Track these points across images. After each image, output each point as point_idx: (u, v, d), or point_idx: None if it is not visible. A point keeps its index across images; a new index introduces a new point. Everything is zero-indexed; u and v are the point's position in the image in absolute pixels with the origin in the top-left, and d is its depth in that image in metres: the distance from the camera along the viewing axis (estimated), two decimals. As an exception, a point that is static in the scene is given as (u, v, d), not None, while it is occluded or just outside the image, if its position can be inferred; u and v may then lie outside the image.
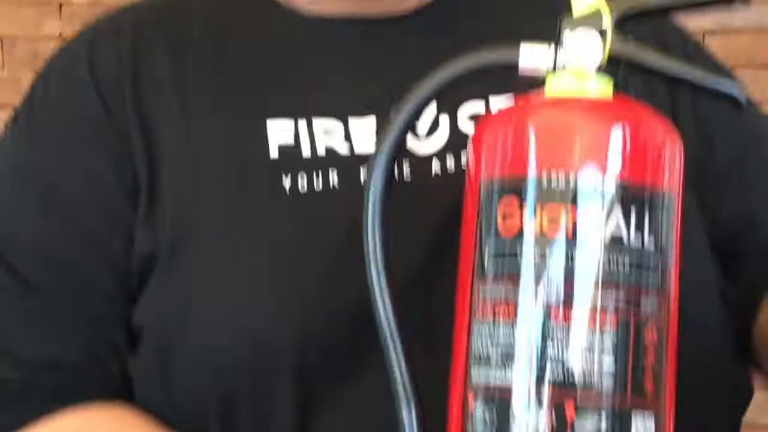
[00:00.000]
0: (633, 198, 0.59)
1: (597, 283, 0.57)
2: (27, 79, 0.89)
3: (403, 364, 0.63)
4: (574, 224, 0.57)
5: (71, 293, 0.79)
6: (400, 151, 0.64)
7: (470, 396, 0.61)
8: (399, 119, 0.63)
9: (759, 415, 1.37)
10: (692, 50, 0.89)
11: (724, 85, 0.65)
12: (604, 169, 0.58)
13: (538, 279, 0.58)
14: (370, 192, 0.63)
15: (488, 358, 0.59)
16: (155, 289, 0.78)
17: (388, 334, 0.63)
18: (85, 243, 0.79)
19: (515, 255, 0.59)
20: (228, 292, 0.75)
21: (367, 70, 0.84)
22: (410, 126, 0.64)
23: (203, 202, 0.79)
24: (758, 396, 0.83)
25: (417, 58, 0.77)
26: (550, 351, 0.58)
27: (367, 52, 0.85)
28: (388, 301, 0.62)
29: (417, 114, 0.64)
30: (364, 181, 0.65)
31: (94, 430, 0.78)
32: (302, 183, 0.79)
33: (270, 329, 0.72)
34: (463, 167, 0.76)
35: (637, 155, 0.59)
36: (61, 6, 1.89)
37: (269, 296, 0.74)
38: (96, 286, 0.79)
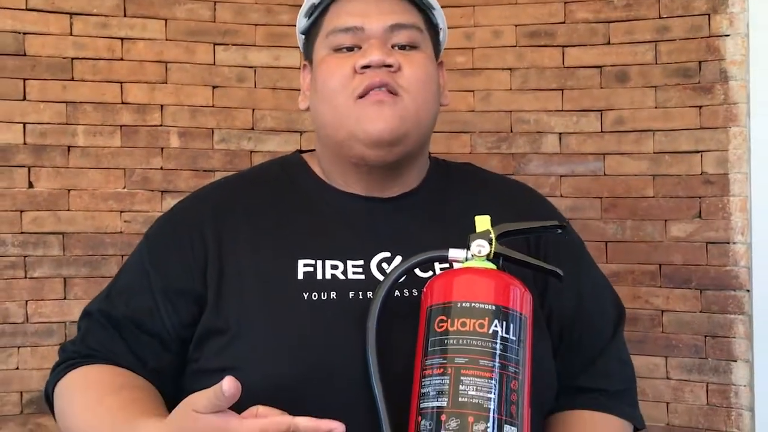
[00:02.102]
0: (505, 314, 0.95)
1: (486, 354, 0.92)
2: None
3: (381, 394, 0.97)
4: (475, 325, 0.93)
5: (137, 330, 1.13)
6: (388, 295, 1.02)
7: (419, 417, 0.93)
8: (386, 282, 1.03)
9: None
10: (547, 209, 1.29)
11: (548, 267, 1.04)
12: (492, 299, 0.95)
13: (456, 353, 0.92)
14: (371, 310, 1.02)
15: (430, 394, 0.93)
16: (221, 348, 1.08)
17: (374, 375, 0.98)
18: (163, 308, 1.13)
19: (444, 341, 0.94)
20: (269, 352, 1.06)
21: (364, 231, 1.16)
22: (392, 287, 1.03)
23: (255, 304, 1.10)
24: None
25: (397, 226, 1.15)
26: (462, 387, 0.90)
27: (367, 219, 1.18)
28: (375, 359, 0.99)
29: (397, 280, 1.03)
30: (371, 307, 1.01)
31: (100, 372, 1.11)
32: (316, 295, 1.09)
33: (286, 373, 1.04)
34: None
35: (508, 294, 0.97)
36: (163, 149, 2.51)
37: (289, 358, 1.06)
38: (156, 332, 1.13)
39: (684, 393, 2.44)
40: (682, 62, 2.44)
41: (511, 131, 2.60)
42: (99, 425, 1.04)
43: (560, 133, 2.57)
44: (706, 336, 2.43)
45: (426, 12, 1.20)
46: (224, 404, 0.88)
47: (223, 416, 0.89)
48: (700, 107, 2.42)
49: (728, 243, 2.40)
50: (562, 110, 2.56)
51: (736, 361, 2.39)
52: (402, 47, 1.15)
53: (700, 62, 2.42)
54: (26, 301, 2.42)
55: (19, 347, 2.40)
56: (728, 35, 2.38)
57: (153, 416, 0.99)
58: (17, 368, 2.40)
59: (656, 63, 2.47)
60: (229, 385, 0.86)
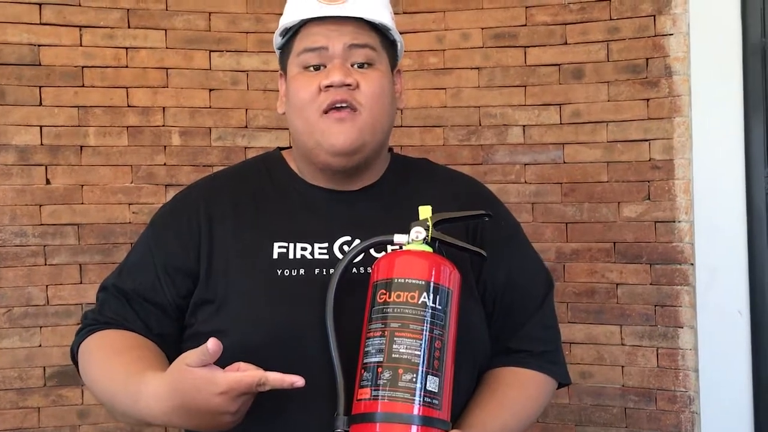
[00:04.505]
0: (433, 288, 1.08)
1: (416, 320, 1.06)
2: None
3: (336, 352, 1.11)
4: (408, 297, 1.07)
5: (143, 301, 1.26)
6: (344, 273, 1.14)
7: (363, 371, 1.07)
8: (342, 262, 1.15)
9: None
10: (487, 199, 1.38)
11: (474, 248, 1.16)
12: (423, 276, 1.08)
13: (392, 320, 1.06)
14: (330, 285, 1.14)
15: (371, 352, 1.06)
16: (211, 315, 1.21)
17: (332, 337, 1.10)
18: (164, 282, 1.26)
19: (383, 310, 1.08)
20: (248, 320, 1.19)
21: (329, 219, 1.27)
22: (349, 265, 1.15)
23: (238, 278, 1.22)
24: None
25: (357, 215, 1.25)
26: (395, 347, 1.04)
27: (332, 209, 1.29)
28: (332, 324, 1.12)
29: (352, 260, 1.16)
30: (330, 282, 1.13)
31: (115, 335, 1.22)
32: (288, 272, 1.22)
33: (262, 335, 1.16)
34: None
35: (437, 272, 1.09)
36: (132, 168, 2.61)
37: (265, 323, 1.18)
38: (158, 302, 1.25)
39: (637, 357, 2.58)
40: (631, 59, 2.57)
41: (480, 125, 2.71)
42: (114, 375, 1.18)
43: (524, 126, 2.68)
44: (655, 306, 2.56)
45: (383, 32, 1.32)
46: (209, 359, 1.03)
47: (209, 369, 1.04)
48: (648, 100, 2.55)
49: (674, 222, 2.53)
50: (525, 105, 2.67)
51: (682, 327, 2.53)
52: (360, 65, 1.26)
53: (647, 59, 2.55)
54: (47, 286, 2.55)
55: (41, 327, 2.54)
56: (672, 34, 2.52)
57: (157, 370, 1.13)
58: (40, 345, 2.54)
59: (608, 60, 2.61)
60: (212, 344, 1.02)
